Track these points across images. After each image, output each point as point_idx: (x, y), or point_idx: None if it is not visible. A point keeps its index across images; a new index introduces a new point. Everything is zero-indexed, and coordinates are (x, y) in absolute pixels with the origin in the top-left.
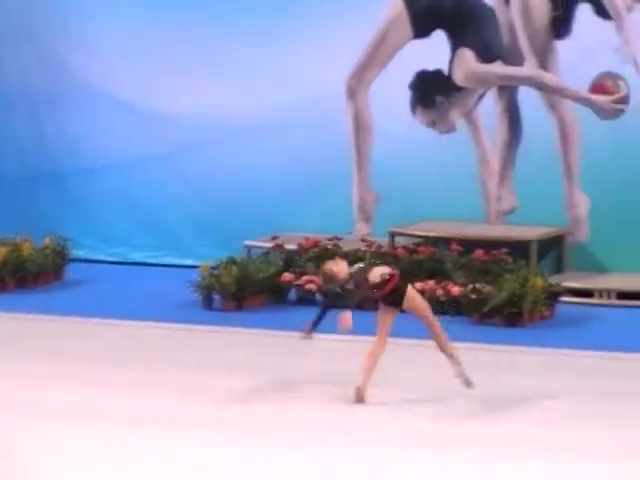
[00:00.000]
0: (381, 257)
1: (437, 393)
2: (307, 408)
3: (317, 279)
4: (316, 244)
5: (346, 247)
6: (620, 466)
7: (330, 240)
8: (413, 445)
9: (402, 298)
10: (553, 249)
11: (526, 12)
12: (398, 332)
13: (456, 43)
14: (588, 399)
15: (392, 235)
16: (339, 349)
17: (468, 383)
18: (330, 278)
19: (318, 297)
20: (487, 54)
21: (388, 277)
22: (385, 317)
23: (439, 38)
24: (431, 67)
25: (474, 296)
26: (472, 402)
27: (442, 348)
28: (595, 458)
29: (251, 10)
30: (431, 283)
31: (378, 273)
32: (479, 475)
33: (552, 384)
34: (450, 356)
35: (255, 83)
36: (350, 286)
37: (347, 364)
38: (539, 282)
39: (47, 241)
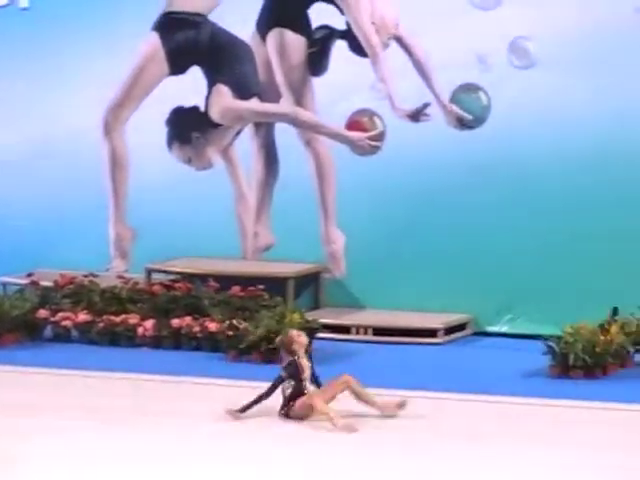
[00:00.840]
0: (138, 294)
1: None
2: (69, 440)
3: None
4: (72, 281)
5: (103, 284)
6: None
7: (86, 277)
8: None
9: None
10: (310, 285)
11: (282, 49)
12: None
13: (212, 79)
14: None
15: (149, 272)
16: (97, 385)
17: None
18: (286, 343)
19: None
20: (243, 91)
21: None
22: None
23: (196, 74)
24: (188, 103)
25: (231, 332)
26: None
27: None
28: None
29: (7, 43)
30: (188, 320)
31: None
32: None
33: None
34: None
35: (11, 115)
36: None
37: (101, 399)
38: (296, 318)
39: None
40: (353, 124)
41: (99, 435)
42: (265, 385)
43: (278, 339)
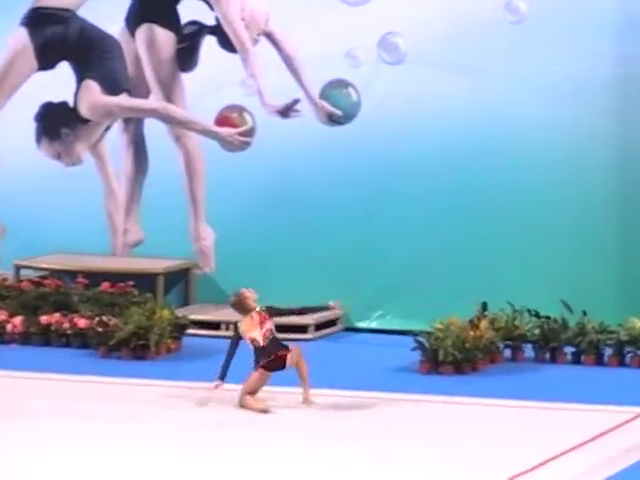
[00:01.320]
0: (7, 290)
1: None
2: None
3: None
4: None
5: None
6: None
7: None
8: None
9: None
10: (180, 281)
11: (151, 44)
12: None
13: (81, 75)
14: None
15: (17, 268)
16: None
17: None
18: (240, 300)
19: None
20: (113, 86)
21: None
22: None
23: (65, 70)
24: (57, 99)
25: (100, 329)
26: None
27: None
28: None
29: None
30: (57, 316)
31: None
32: None
33: (173, 414)
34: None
35: None
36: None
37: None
38: (166, 314)
39: None
40: (223, 120)
41: None
42: (136, 381)
43: (231, 301)
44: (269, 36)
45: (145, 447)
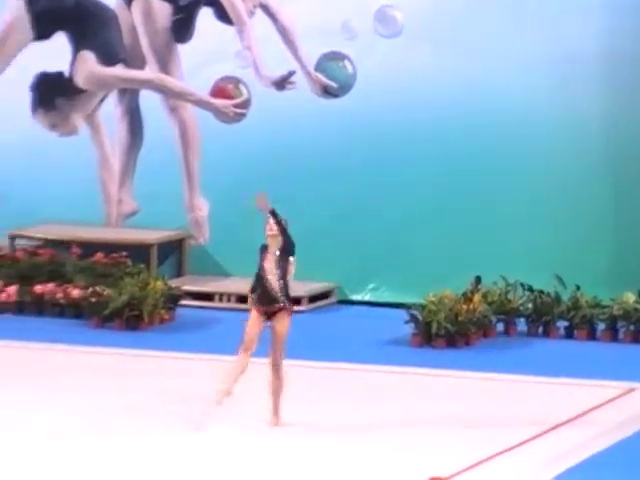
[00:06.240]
0: (1, 260)
1: None
2: None
3: None
4: None
5: None
6: None
7: None
8: None
9: None
10: (174, 252)
11: (147, 15)
12: None
13: (77, 45)
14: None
15: (12, 237)
16: None
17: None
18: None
19: None
20: (109, 57)
21: None
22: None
23: (61, 40)
24: (53, 69)
25: (94, 299)
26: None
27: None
28: None
29: None
30: (51, 286)
31: None
32: None
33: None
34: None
35: None
36: None
37: None
38: (159, 285)
39: None
40: (218, 91)
41: None
42: (129, 352)
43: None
44: (265, 8)
45: (140, 418)
